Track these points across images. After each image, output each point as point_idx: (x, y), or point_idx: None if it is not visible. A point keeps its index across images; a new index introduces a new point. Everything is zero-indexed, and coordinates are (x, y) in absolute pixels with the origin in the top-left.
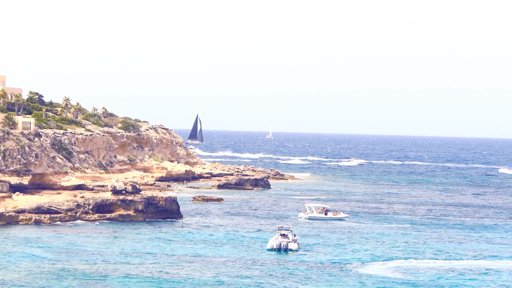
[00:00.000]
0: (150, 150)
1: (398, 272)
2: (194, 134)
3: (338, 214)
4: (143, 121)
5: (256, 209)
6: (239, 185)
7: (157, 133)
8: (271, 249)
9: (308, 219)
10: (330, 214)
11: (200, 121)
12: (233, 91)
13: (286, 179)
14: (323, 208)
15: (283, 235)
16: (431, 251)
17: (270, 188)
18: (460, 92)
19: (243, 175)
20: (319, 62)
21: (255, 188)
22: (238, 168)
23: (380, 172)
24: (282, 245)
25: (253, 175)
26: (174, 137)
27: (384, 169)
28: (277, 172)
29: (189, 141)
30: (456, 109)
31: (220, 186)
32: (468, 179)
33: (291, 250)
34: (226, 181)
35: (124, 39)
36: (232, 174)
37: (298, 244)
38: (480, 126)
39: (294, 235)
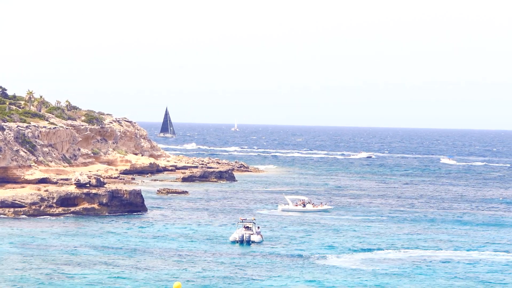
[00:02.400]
0: (114, 143)
1: (364, 264)
2: (166, 127)
3: (323, 206)
4: (107, 114)
5: (220, 202)
6: (203, 177)
7: (121, 125)
8: (234, 242)
9: (283, 211)
10: (309, 207)
11: (169, 114)
12: (204, 86)
13: (251, 171)
14: (302, 200)
15: (247, 228)
16: (398, 242)
17: (235, 180)
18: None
19: (208, 167)
20: (302, 58)
21: (220, 181)
22: (203, 161)
23: (350, 164)
24: (244, 237)
25: (217, 168)
26: (138, 129)
27: (365, 162)
28: (241, 164)
29: (161, 134)
30: (445, 103)
31: (184, 179)
32: (418, 171)
33: (253, 242)
34: (190, 174)
35: (105, 37)
36: (196, 167)
37: (261, 236)
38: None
39: (258, 227)
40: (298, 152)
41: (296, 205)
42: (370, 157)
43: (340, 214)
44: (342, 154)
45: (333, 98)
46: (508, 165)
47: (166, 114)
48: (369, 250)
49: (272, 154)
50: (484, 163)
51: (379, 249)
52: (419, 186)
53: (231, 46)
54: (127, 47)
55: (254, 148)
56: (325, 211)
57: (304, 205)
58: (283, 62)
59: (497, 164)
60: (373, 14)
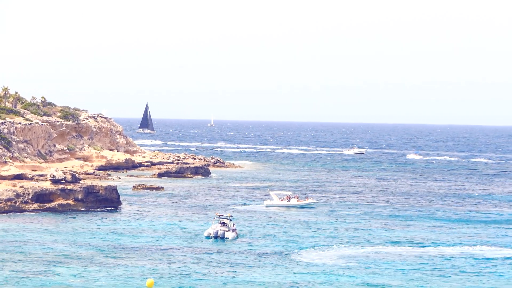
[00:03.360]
0: (89, 139)
1: (341, 260)
2: (145, 123)
3: (308, 200)
4: (82, 110)
5: (196, 197)
6: (179, 173)
7: (96, 121)
8: (208, 237)
9: (267, 206)
10: (293, 201)
11: (149, 110)
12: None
13: (227, 167)
14: (287, 196)
15: (223, 224)
16: (375, 238)
17: (210, 176)
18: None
19: (183, 163)
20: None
21: (196, 176)
22: (178, 156)
23: (328, 160)
24: (219, 233)
25: (193, 163)
26: (113, 125)
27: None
28: (217, 160)
29: (140, 130)
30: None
31: (160, 175)
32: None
33: (227, 238)
34: (166, 170)
35: (88, 36)
36: (172, 163)
37: (236, 232)
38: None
39: (234, 224)
40: (275, 148)
41: (281, 200)
42: (362, 153)
43: (317, 210)
44: (329, 150)
45: (333, 98)
46: (481, 159)
47: (146, 110)
48: (346, 245)
49: (249, 149)
50: (456, 158)
51: (356, 244)
52: (395, 181)
53: (231, 46)
54: (119, 46)
55: (230, 144)
56: (310, 206)
57: (289, 200)
58: (283, 62)
59: (468, 160)
60: (373, 14)
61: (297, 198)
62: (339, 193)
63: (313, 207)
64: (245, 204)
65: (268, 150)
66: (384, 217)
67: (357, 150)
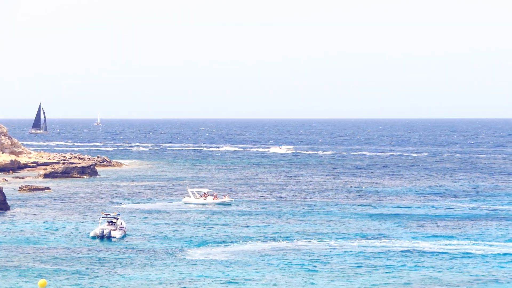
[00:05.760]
0: None
1: (232, 255)
2: (38, 123)
3: (225, 198)
4: None
5: (83, 197)
6: (66, 173)
7: None
8: (94, 237)
9: (185, 204)
10: (209, 199)
11: (43, 110)
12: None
13: (114, 166)
14: (205, 193)
15: (110, 222)
16: (267, 234)
17: (97, 175)
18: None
19: (70, 163)
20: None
21: (83, 176)
22: (65, 156)
23: (220, 156)
24: (105, 232)
25: (79, 163)
26: None
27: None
28: (104, 159)
29: (33, 130)
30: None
31: (46, 175)
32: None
33: (114, 237)
34: (52, 170)
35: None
36: (58, 163)
37: (124, 231)
38: None
39: (121, 223)
40: (166, 146)
41: (201, 197)
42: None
43: (218, 208)
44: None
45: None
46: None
47: (39, 110)
48: (235, 242)
49: (138, 148)
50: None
51: (244, 241)
52: (292, 177)
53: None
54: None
55: (118, 143)
56: (226, 203)
57: (205, 198)
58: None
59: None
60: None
61: (215, 196)
62: (233, 191)
63: (229, 205)
64: (159, 201)
65: (158, 148)
66: (282, 213)
67: (285, 147)
